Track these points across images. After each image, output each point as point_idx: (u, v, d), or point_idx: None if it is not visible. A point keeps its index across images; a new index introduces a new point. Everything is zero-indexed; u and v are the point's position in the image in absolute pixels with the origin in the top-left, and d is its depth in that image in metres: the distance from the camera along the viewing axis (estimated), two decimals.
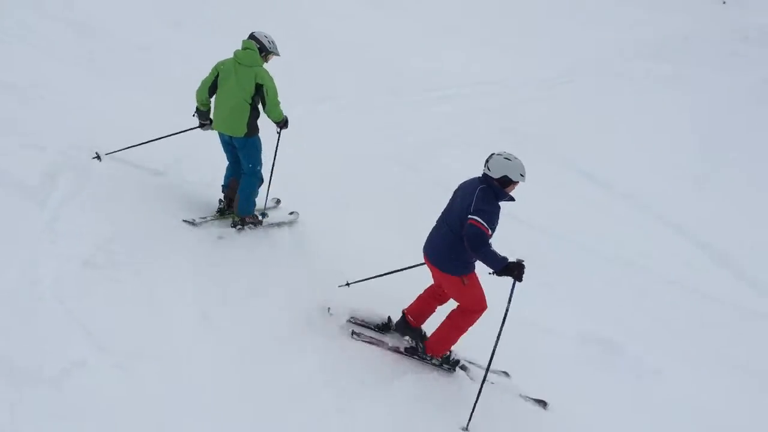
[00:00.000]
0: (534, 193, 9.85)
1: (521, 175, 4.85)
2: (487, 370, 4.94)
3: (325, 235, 7.15)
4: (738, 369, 7.22)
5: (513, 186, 4.89)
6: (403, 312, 5.55)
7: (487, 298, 5.12)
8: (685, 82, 16.04)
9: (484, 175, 4.88)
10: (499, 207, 4.81)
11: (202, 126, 6.62)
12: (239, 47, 6.15)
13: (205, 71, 6.37)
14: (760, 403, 6.67)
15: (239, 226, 6.55)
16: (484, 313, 5.14)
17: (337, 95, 11.87)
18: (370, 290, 5.88)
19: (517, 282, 4.71)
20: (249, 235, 6.63)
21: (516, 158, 4.87)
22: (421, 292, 5.51)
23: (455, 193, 5.15)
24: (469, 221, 4.63)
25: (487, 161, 4.89)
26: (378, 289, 5.87)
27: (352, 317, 5.64)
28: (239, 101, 6.09)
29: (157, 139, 7.03)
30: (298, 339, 5.33)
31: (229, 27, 11.60)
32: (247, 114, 6.16)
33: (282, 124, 6.47)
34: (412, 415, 4.89)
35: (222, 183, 6.87)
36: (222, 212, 6.77)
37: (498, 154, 4.89)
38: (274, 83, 6.16)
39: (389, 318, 5.72)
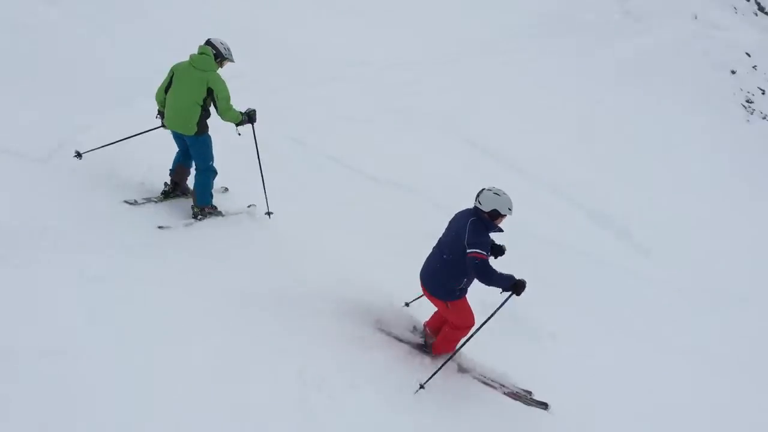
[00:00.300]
0: (430, 162, 10.75)
1: (509, 209, 5.42)
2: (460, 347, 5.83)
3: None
4: (625, 328, 8.27)
5: (501, 219, 5.44)
6: (424, 324, 6.37)
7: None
8: (566, 54, 17.26)
9: (475, 208, 5.42)
10: (489, 237, 5.41)
11: (163, 126, 6.94)
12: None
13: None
14: (647, 360, 7.65)
15: (200, 216, 6.99)
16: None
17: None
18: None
19: (514, 295, 5.41)
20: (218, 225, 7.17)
21: (505, 194, 5.44)
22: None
23: (450, 222, 5.73)
24: (468, 255, 5.22)
25: (478, 195, 5.43)
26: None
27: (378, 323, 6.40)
28: (190, 103, 6.41)
29: (130, 137, 7.38)
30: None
31: None
32: (198, 115, 6.50)
33: (243, 122, 6.77)
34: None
35: (170, 167, 7.26)
36: (166, 195, 7.19)
37: (488, 190, 5.44)
38: (225, 87, 6.50)
39: (414, 326, 6.50)
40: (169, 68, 6.54)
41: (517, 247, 6.60)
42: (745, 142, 19.94)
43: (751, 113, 22.14)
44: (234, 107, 6.62)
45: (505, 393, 6.09)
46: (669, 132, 16.95)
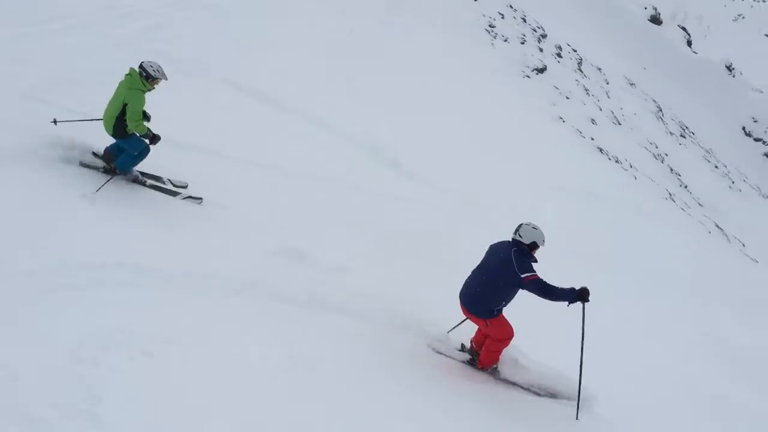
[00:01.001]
0: (201, 114, 10.28)
1: (543, 241, 5.98)
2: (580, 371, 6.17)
3: None
4: (403, 249, 8.92)
5: (537, 250, 5.99)
6: (471, 341, 6.76)
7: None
8: None
9: (515, 240, 5.95)
10: (531, 262, 5.90)
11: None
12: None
13: None
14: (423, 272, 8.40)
15: (110, 175, 7.82)
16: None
17: None
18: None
19: (586, 304, 5.91)
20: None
21: (539, 227, 6.02)
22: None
23: (488, 253, 6.25)
24: (525, 280, 5.75)
25: (517, 230, 5.99)
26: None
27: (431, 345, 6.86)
28: (112, 113, 7.47)
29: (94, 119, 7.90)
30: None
31: None
32: (113, 123, 7.49)
33: (148, 137, 7.63)
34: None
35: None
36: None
37: (527, 224, 6.01)
38: (138, 105, 7.42)
39: (462, 344, 6.87)
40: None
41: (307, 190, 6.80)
42: (492, 63, 21.98)
43: (494, 37, 24.22)
44: (142, 122, 7.51)
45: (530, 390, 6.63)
46: (427, 62, 18.15)
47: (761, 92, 46.48)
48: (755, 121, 43.17)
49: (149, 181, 8.17)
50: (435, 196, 11.93)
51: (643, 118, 28.93)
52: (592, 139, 21.40)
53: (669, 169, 25.30)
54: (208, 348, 5.34)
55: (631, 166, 21.45)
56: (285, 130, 11.77)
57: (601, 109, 25.31)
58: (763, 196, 31.62)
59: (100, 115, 7.65)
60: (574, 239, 12.07)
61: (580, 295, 5.83)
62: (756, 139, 42.64)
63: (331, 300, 6.93)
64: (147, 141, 7.67)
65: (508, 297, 6.05)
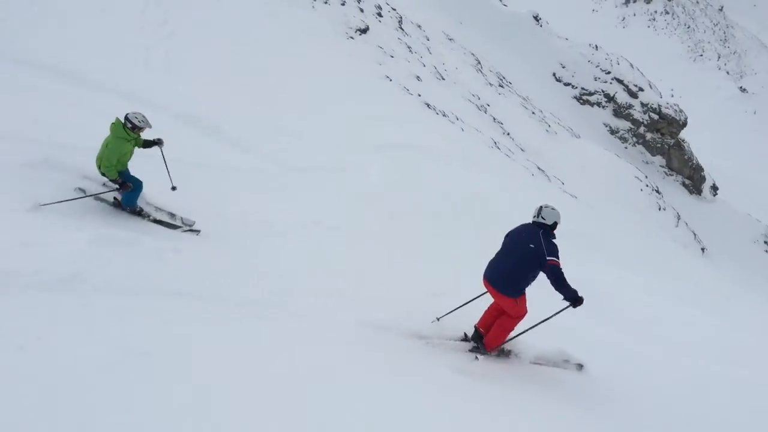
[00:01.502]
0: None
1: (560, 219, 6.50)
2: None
3: None
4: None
5: (557, 228, 6.45)
6: (475, 326, 6.99)
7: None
8: None
9: (539, 223, 6.42)
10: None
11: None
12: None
13: None
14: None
15: (118, 207, 8.48)
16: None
17: None
18: None
19: (571, 307, 6.20)
20: None
21: (556, 207, 6.51)
22: (483, 311, 6.98)
23: (510, 236, 6.62)
24: (548, 262, 6.09)
25: (539, 213, 6.45)
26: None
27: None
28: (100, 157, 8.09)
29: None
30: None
31: None
32: (106, 166, 8.01)
33: (117, 182, 8.16)
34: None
35: None
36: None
37: (545, 207, 6.48)
38: (113, 152, 7.93)
39: (465, 333, 7.06)
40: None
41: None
42: (314, 25, 21.77)
43: (315, 1, 23.97)
44: (113, 168, 7.98)
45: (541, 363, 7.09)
46: (245, 26, 17.67)
47: (566, 39, 50.06)
48: (563, 67, 46.56)
49: (153, 216, 8.67)
50: (259, 164, 11.74)
51: (464, 72, 30.14)
52: (419, 95, 21.98)
53: (492, 119, 26.65)
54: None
55: (457, 119, 22.32)
56: (89, 106, 10.99)
57: (424, 66, 26.02)
58: (575, 136, 34.27)
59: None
60: (409, 195, 12.41)
61: (577, 300, 6.16)
62: (566, 84, 46.07)
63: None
64: (117, 186, 8.22)
65: (535, 277, 6.43)
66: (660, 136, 45.64)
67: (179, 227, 8.62)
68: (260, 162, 11.87)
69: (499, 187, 16.06)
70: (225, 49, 16.03)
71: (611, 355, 8.23)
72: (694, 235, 30.50)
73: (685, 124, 46.71)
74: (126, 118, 8.05)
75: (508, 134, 26.30)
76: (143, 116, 8.15)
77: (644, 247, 21.27)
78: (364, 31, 24.37)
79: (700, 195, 45.44)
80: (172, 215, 8.74)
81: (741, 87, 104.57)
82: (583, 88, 45.87)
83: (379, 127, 16.05)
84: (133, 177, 8.37)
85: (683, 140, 47.26)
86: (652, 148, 45.47)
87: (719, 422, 6.86)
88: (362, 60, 21.78)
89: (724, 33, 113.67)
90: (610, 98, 45.86)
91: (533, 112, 32.41)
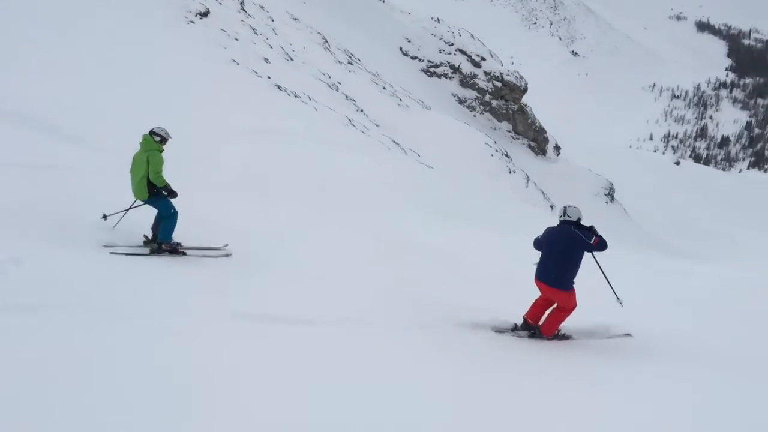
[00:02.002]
0: None
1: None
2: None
3: None
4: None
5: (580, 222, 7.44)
6: (524, 317, 7.75)
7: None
8: None
9: (566, 222, 7.39)
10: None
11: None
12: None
13: None
14: None
15: (156, 251, 8.28)
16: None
17: None
18: None
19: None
20: None
21: (576, 205, 7.64)
22: (530, 305, 7.74)
23: (547, 243, 7.44)
24: (593, 243, 7.22)
25: (564, 213, 7.45)
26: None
27: (494, 326, 7.73)
28: (140, 176, 8.10)
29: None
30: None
31: None
32: (144, 184, 8.12)
33: (164, 189, 8.25)
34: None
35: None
36: (147, 242, 8.50)
37: (569, 206, 7.51)
38: (157, 163, 8.09)
39: (515, 324, 7.81)
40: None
41: None
42: (152, 11, 20.80)
43: None
44: (162, 175, 8.13)
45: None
46: (77, 14, 16.51)
47: (409, 14, 51.10)
48: (409, 41, 47.57)
49: (189, 252, 8.60)
50: (98, 159, 11.07)
51: (312, 51, 30.00)
52: (269, 77, 21.63)
53: (344, 97, 26.77)
54: None
55: (310, 99, 22.22)
56: None
57: (271, 47, 25.61)
58: (426, 108, 35.21)
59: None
60: (270, 179, 12.24)
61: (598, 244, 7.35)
62: (413, 58, 47.11)
63: None
64: (165, 193, 8.29)
65: (578, 267, 7.29)
66: (504, 103, 47.92)
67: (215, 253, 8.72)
68: (107, 158, 11.14)
69: (358, 164, 16.22)
70: (63, 40, 14.82)
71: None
72: (543, 193, 32.42)
73: (526, 90, 49.35)
74: (153, 132, 8.36)
75: (362, 111, 26.55)
76: (166, 129, 8.54)
77: (498, 210, 22.35)
78: (204, 14, 23.56)
79: (545, 156, 48.33)
80: (206, 248, 8.79)
81: (573, 51, 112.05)
82: (429, 61, 47.14)
83: (232, 111, 15.64)
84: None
85: (526, 105, 49.89)
86: (498, 115, 47.67)
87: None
88: (206, 44, 21.10)
89: (554, 1, 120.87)
90: (456, 69, 47.47)
91: (384, 88, 32.89)
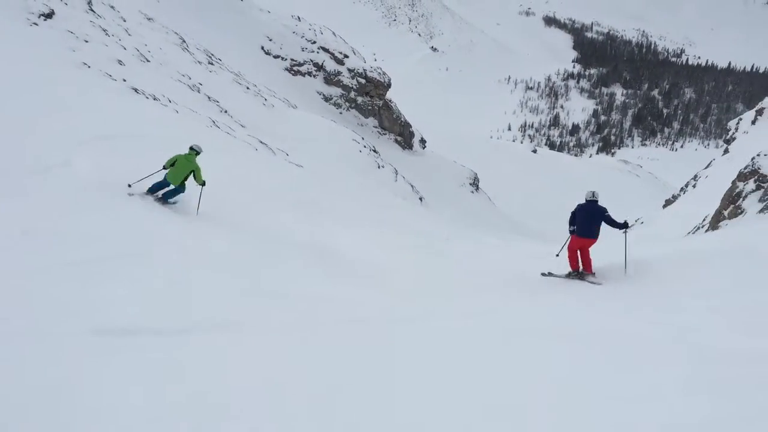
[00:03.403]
0: None
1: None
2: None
3: None
4: None
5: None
6: (571, 269, 11.71)
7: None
8: None
9: (594, 200, 11.48)
10: None
11: (164, 168, 12.20)
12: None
13: None
14: None
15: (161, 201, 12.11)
16: None
17: None
18: None
19: (627, 230, 11.52)
20: None
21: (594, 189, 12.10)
22: (569, 259, 11.75)
23: (581, 213, 11.56)
24: (607, 215, 11.22)
25: (593, 194, 11.60)
26: None
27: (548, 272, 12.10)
28: (184, 176, 12.02)
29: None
30: None
31: None
32: (181, 181, 12.02)
33: (202, 185, 12.29)
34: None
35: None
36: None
37: (594, 191, 11.73)
38: (200, 170, 12.22)
39: (569, 272, 11.77)
40: (174, 155, 12.21)
41: None
42: None
43: None
44: (202, 177, 12.26)
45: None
46: None
47: (269, 12, 50.53)
48: (270, 40, 47.05)
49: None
50: None
51: (169, 52, 28.98)
52: (124, 80, 20.67)
53: (207, 98, 26.08)
54: None
55: (170, 101, 21.46)
56: None
57: (125, 49, 24.46)
58: (292, 107, 35.03)
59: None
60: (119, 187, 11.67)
61: (626, 225, 11.38)
62: (275, 56, 46.65)
63: None
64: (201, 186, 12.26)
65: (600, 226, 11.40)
66: (369, 99, 48.59)
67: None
68: None
69: (222, 167, 15.87)
70: None
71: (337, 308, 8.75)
72: (412, 186, 33.23)
73: (389, 86, 50.27)
74: (192, 148, 12.34)
75: (226, 111, 25.99)
76: (200, 145, 12.72)
77: (369, 205, 22.65)
78: (48, 15, 22.08)
79: (411, 149, 49.51)
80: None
81: (432, 47, 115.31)
82: (292, 59, 46.89)
83: (86, 116, 14.73)
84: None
85: (390, 100, 50.84)
86: (364, 111, 48.26)
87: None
88: (52, 47, 19.79)
89: None
90: (320, 67, 47.55)
91: (248, 88, 32.37)
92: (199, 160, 12.44)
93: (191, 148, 12.33)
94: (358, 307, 8.37)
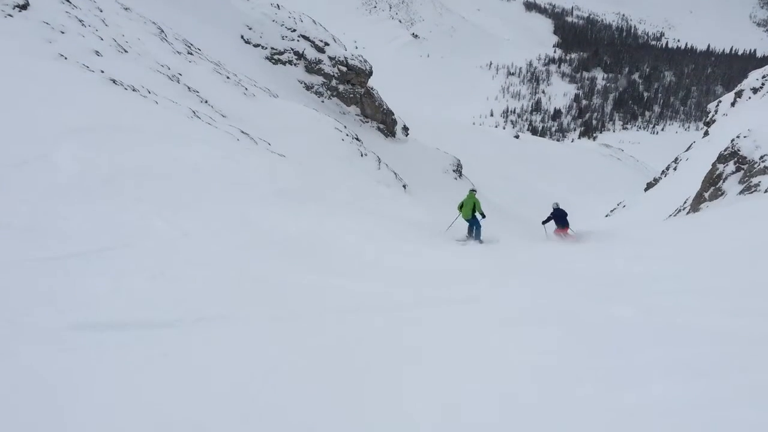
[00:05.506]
0: None
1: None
2: None
3: None
4: None
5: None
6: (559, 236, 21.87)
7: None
8: None
9: (560, 208, 21.65)
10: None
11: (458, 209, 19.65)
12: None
13: None
14: None
15: (477, 241, 18.99)
16: None
17: None
18: None
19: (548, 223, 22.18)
20: None
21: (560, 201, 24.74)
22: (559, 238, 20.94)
23: (556, 214, 21.35)
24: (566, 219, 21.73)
25: (557, 204, 21.89)
26: None
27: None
28: (471, 210, 19.00)
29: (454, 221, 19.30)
30: None
31: None
32: (471, 213, 18.96)
33: (483, 216, 19.13)
34: None
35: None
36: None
37: (557, 202, 22.58)
38: (480, 203, 19.44)
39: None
40: (462, 200, 19.53)
41: None
42: None
43: None
44: (483, 209, 19.64)
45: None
46: None
47: (248, 0, 50.06)
48: (250, 29, 46.65)
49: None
50: None
51: (148, 42, 28.63)
52: (102, 71, 20.39)
53: (187, 88, 25.82)
54: None
55: (149, 92, 21.22)
56: None
57: (102, 39, 24.13)
58: (273, 96, 34.77)
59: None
60: (118, 178, 11.57)
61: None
62: (255, 45, 46.28)
63: None
64: (481, 217, 19.05)
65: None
66: (351, 87, 48.40)
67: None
68: None
69: (205, 157, 15.75)
70: None
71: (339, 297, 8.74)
72: (395, 174, 33.18)
73: (371, 73, 50.08)
74: (472, 190, 19.18)
75: (206, 102, 25.75)
76: (476, 188, 19.41)
77: (353, 194, 22.60)
78: (23, 6, 21.71)
79: (394, 137, 49.45)
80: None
81: (413, 33, 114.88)
82: (273, 48, 46.55)
83: (64, 109, 14.54)
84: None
85: (372, 88, 50.66)
86: (346, 99, 48.08)
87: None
88: (27, 39, 19.48)
89: None
90: (300, 55, 47.25)
91: (228, 77, 32.07)
92: (479, 196, 19.50)
93: (471, 190, 19.72)
94: (349, 296, 8.36)
